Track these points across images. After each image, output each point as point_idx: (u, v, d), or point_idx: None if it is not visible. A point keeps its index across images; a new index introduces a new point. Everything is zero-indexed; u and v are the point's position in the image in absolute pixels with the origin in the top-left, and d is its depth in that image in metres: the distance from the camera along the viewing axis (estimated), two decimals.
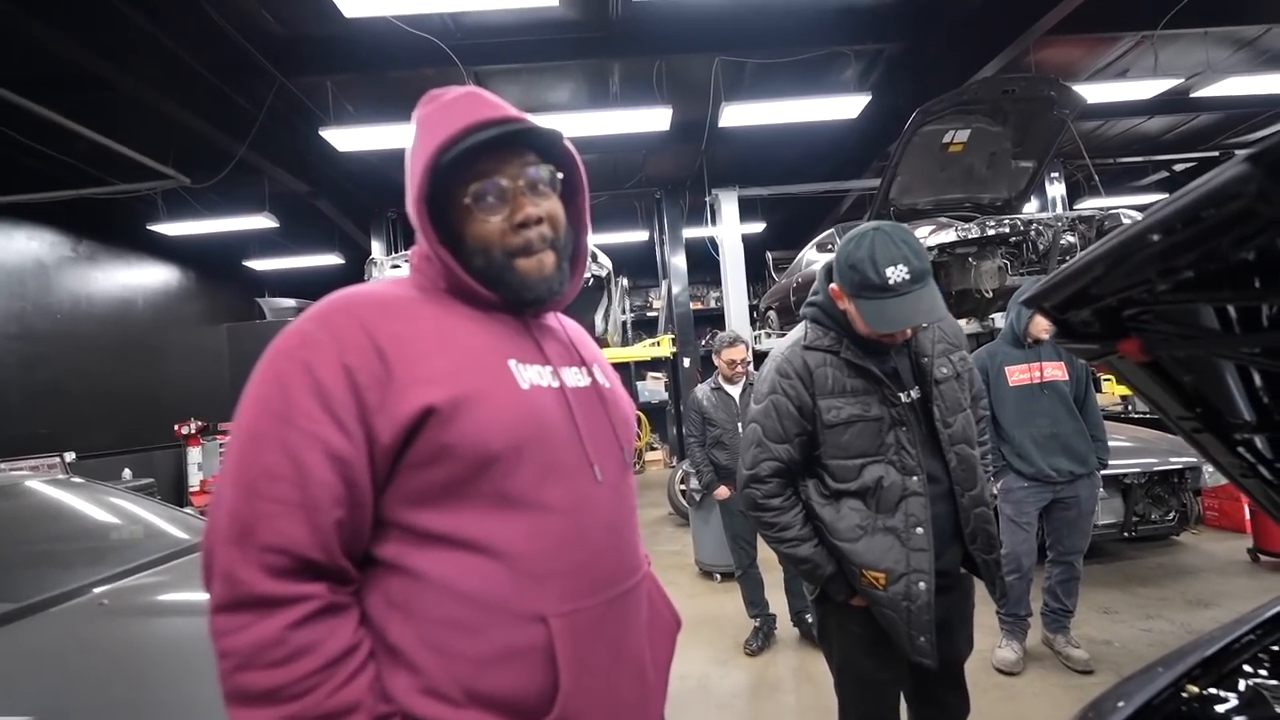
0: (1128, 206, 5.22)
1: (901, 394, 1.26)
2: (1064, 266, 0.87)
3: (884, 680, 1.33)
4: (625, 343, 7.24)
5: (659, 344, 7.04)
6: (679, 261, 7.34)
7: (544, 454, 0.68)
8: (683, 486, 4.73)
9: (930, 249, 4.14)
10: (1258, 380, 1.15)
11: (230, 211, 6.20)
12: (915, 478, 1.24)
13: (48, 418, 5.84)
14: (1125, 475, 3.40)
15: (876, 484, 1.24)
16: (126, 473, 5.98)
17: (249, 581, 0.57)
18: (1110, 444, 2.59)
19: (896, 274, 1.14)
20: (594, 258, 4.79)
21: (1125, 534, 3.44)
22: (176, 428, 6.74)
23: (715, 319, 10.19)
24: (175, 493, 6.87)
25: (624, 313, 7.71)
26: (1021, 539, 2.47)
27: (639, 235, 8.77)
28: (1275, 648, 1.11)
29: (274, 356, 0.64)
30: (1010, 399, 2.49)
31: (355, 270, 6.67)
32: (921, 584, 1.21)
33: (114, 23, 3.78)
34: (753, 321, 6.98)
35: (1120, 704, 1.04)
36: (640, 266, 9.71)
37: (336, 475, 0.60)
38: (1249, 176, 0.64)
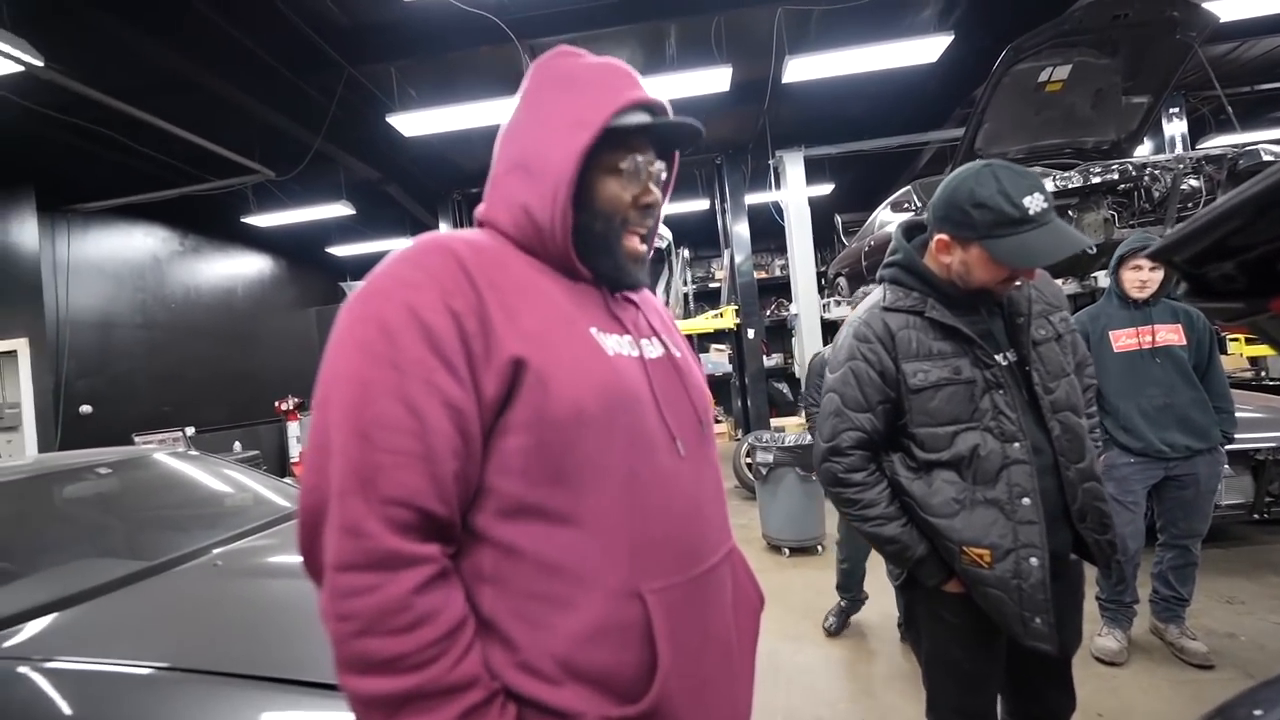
0: (1268, 141, 4.51)
1: (998, 356, 1.16)
2: (1200, 213, 0.74)
3: (980, 672, 1.23)
4: (687, 314, 7.16)
5: (722, 315, 6.90)
6: (741, 229, 7.10)
7: (633, 423, 0.66)
8: (749, 459, 4.67)
9: None
10: None
11: (311, 201, 6.58)
12: (1017, 444, 1.12)
13: (170, 397, 6.54)
14: (1257, 450, 3.00)
15: (972, 453, 1.13)
16: (236, 445, 6.63)
17: (378, 536, 0.53)
18: (1238, 415, 2.28)
19: (1035, 203, 1.05)
20: None
21: (1255, 516, 3.06)
22: (276, 404, 7.36)
23: (780, 288, 9.87)
24: (278, 463, 7.56)
25: (685, 284, 7.59)
26: (1127, 520, 2.25)
27: (700, 204, 8.56)
28: None
29: (368, 298, 0.60)
30: (1114, 366, 2.24)
31: None
32: (1033, 560, 1.10)
33: (197, 26, 4.03)
34: (821, 289, 6.67)
35: (1258, 712, 0.92)
36: (701, 236, 9.50)
37: (453, 426, 0.57)
38: None
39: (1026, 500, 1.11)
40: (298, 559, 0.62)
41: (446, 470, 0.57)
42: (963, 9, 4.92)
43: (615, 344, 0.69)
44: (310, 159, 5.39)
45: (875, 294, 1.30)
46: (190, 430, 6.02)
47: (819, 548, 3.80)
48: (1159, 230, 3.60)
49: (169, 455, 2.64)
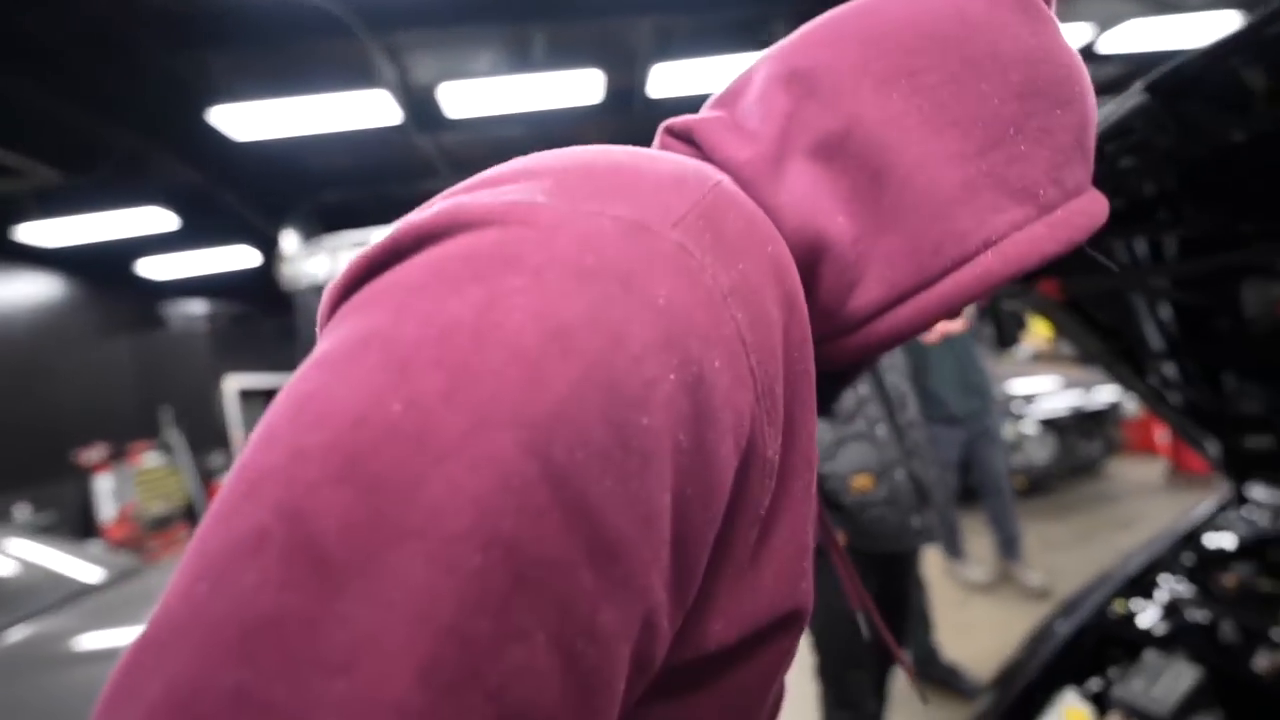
0: None
1: None
2: None
3: (856, 618, 1.46)
4: None
5: None
6: None
7: None
8: None
9: None
10: (1166, 315, 1.24)
11: (117, 209, 5.56)
12: (863, 387, 1.42)
13: None
14: (1058, 415, 3.62)
15: None
16: (21, 512, 5.38)
17: None
18: (1044, 385, 2.78)
19: None
20: None
21: (1059, 470, 3.69)
22: (77, 455, 6.09)
23: None
24: (82, 527, 6.24)
25: None
26: (943, 479, 2.81)
27: None
28: (1186, 561, 1.27)
29: (592, 328, 0.20)
30: (930, 353, 2.78)
31: (272, 266, 6.18)
32: (898, 474, 1.39)
33: None
34: None
35: (1058, 626, 1.11)
36: None
37: (631, 673, 0.22)
38: (1147, 108, 0.63)
39: (880, 426, 1.40)
40: (97, 643, 0.40)
41: None
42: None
43: None
44: (115, 159, 4.55)
45: None
46: None
47: None
48: None
49: None
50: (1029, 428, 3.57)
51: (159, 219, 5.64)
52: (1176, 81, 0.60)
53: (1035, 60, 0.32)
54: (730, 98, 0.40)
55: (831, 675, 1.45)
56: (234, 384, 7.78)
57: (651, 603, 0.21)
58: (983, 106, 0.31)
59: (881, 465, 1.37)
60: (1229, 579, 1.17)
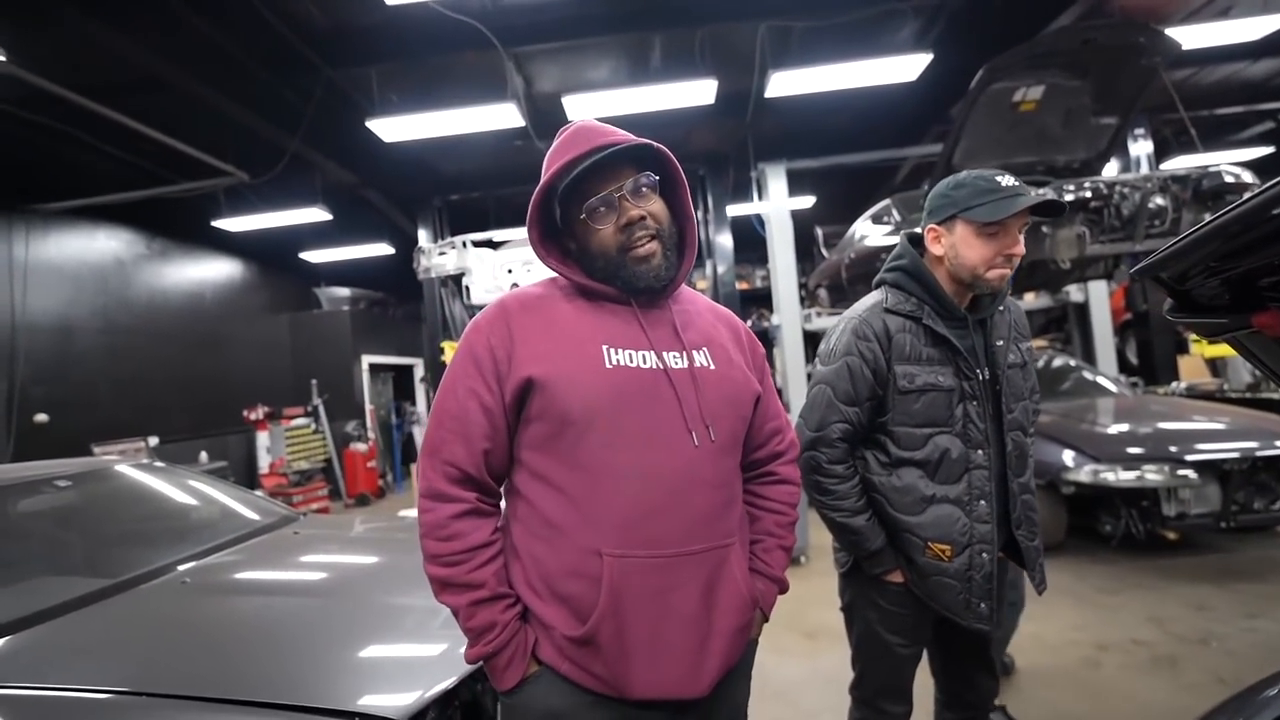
0: (1229, 163, 4.70)
1: (977, 370, 1.28)
2: (1181, 236, 0.75)
3: (905, 654, 1.36)
4: None
5: None
6: (724, 240, 7.15)
7: (616, 422, 0.86)
8: None
9: None
10: None
11: (286, 205, 6.43)
12: (981, 451, 1.25)
13: (132, 405, 6.30)
14: (1224, 461, 3.10)
15: (942, 455, 1.25)
16: (203, 456, 6.41)
17: (432, 480, 0.89)
18: (1206, 427, 2.36)
19: (1005, 179, 1.21)
20: None
21: (1222, 524, 3.15)
22: (245, 413, 7.14)
23: (762, 299, 9.95)
24: (247, 475, 7.32)
25: None
26: None
27: None
28: None
29: (462, 337, 0.94)
30: None
31: (404, 258, 6.85)
32: (985, 554, 1.25)
33: (171, 23, 3.93)
34: (801, 300, 6.74)
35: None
36: None
37: (485, 418, 0.89)
38: None
39: (983, 503, 1.25)
40: (268, 575, 0.71)
41: (478, 447, 0.89)
42: (940, 29, 5.06)
43: (625, 357, 0.90)
44: (286, 162, 5.28)
45: (876, 294, 1.36)
46: (154, 440, 5.80)
47: (801, 558, 3.80)
48: (1128, 246, 3.71)
49: (132, 467, 2.52)
50: (1185, 472, 3.10)
51: (317, 214, 6.46)
52: None
53: (551, 162, 0.94)
54: None
55: (864, 699, 1.42)
56: (366, 361, 8.72)
57: (475, 388, 0.90)
58: (539, 192, 0.95)
59: (970, 539, 1.24)
60: None
